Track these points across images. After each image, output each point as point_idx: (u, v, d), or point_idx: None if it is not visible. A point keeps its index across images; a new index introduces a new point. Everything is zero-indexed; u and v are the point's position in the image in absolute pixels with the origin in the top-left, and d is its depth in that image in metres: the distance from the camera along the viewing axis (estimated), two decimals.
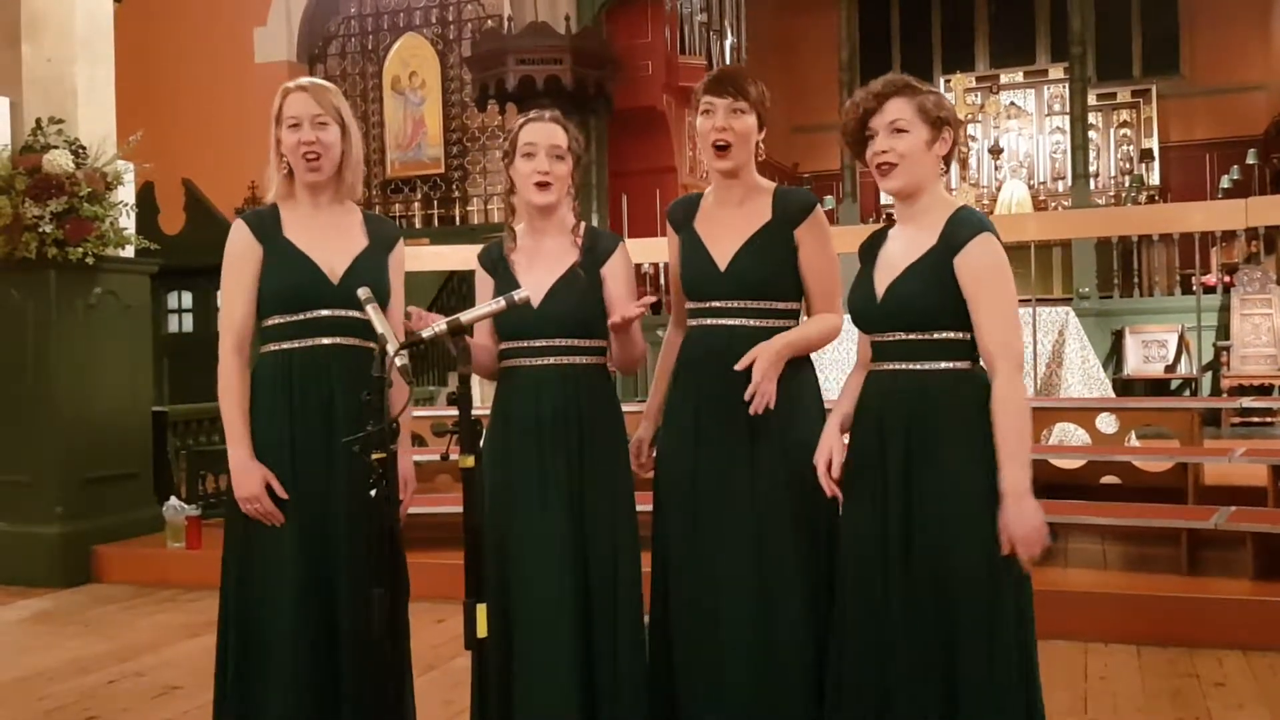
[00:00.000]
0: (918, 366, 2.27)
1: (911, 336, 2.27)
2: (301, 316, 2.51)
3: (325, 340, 2.51)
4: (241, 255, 2.54)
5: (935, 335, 2.25)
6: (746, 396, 2.41)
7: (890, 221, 2.48)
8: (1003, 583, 2.19)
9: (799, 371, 2.56)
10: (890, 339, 2.30)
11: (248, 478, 2.46)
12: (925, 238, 2.27)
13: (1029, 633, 2.24)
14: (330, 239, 2.55)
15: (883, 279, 2.32)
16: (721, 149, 2.51)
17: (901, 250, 2.32)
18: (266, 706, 2.46)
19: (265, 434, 2.50)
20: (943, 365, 2.25)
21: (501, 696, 2.50)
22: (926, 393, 2.25)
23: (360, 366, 2.40)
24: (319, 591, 2.46)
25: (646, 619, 2.62)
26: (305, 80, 2.61)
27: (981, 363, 2.26)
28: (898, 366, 2.29)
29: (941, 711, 2.19)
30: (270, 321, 2.55)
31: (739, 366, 2.41)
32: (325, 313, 2.49)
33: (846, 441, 2.38)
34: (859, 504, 2.33)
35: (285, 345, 2.52)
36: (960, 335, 2.25)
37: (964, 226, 2.24)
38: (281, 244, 2.53)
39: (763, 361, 2.41)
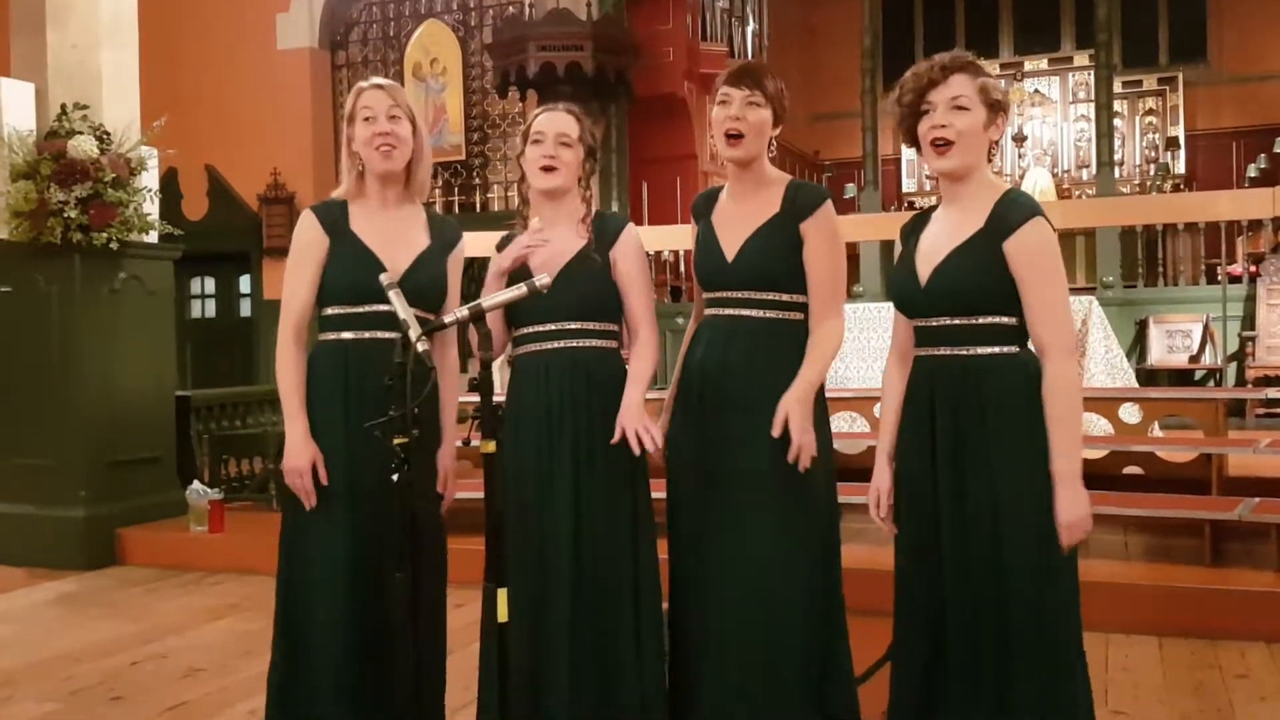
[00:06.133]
0: (965, 352, 2.25)
1: (958, 321, 2.25)
2: (361, 309, 2.55)
3: (383, 334, 2.53)
4: (307, 246, 2.61)
5: (982, 320, 2.23)
6: (790, 459, 2.39)
7: (927, 207, 2.47)
8: (1050, 570, 2.18)
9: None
10: (936, 324, 2.28)
11: (301, 452, 2.52)
12: (972, 220, 2.25)
13: (1075, 619, 2.24)
14: (395, 236, 2.61)
15: (927, 262, 2.29)
16: (733, 138, 2.52)
17: (946, 233, 2.29)
18: (313, 690, 2.50)
19: (322, 421, 2.55)
20: (990, 350, 2.23)
21: (517, 681, 2.50)
22: (974, 378, 2.22)
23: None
24: (371, 578, 2.49)
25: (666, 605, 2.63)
26: (379, 79, 2.66)
27: (1031, 346, 2.25)
28: (945, 352, 2.27)
29: (993, 696, 2.20)
30: (330, 311, 2.61)
31: (775, 433, 2.40)
32: (383, 307, 2.50)
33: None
34: (909, 493, 2.33)
35: (343, 335, 2.58)
36: (1008, 320, 2.23)
37: (1015, 210, 2.22)
38: (348, 237, 2.59)
39: (795, 417, 2.40)
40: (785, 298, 2.54)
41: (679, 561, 2.61)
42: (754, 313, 2.53)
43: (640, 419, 2.53)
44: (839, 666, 2.54)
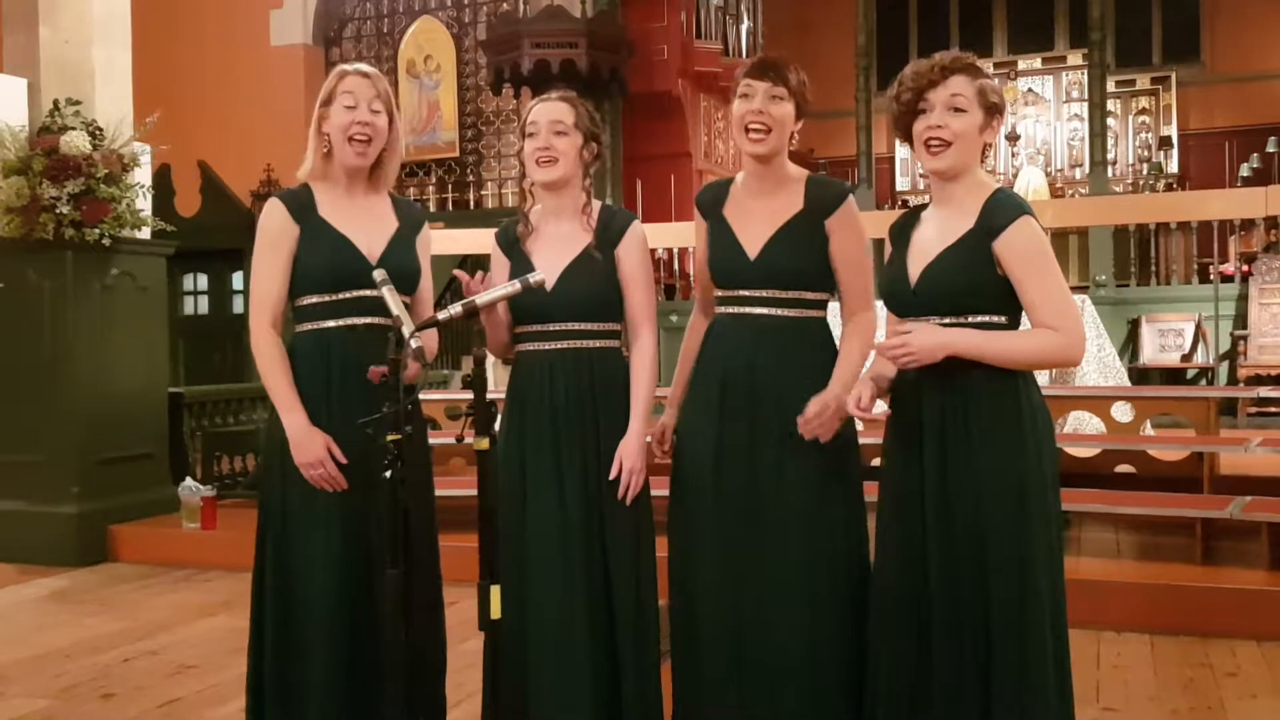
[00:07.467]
0: None
1: (947, 321, 2.24)
2: (340, 296, 2.53)
3: (362, 320, 2.52)
4: (277, 234, 2.55)
5: (972, 319, 2.23)
6: (802, 424, 2.37)
7: (916, 205, 2.47)
8: (1037, 568, 2.18)
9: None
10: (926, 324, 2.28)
11: (310, 443, 2.45)
12: (961, 220, 2.25)
13: (1061, 617, 2.24)
14: (364, 221, 2.58)
15: (917, 262, 2.29)
16: (755, 132, 2.48)
17: (936, 233, 2.29)
18: (307, 685, 2.48)
19: (308, 414, 2.50)
20: None
21: (515, 681, 2.50)
22: (963, 378, 2.21)
23: None
24: (358, 570, 2.47)
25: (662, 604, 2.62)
26: (363, 66, 2.63)
27: None
28: None
29: (977, 691, 2.19)
30: (306, 301, 2.56)
31: (802, 427, 2.38)
32: (363, 293, 2.48)
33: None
34: (895, 493, 2.32)
35: (323, 325, 2.54)
36: (997, 319, 2.23)
37: (1001, 210, 2.22)
38: (318, 224, 2.55)
39: (835, 412, 2.37)
40: (810, 296, 2.51)
41: (688, 564, 2.54)
42: (779, 311, 2.49)
43: (642, 457, 2.52)
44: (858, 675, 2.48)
